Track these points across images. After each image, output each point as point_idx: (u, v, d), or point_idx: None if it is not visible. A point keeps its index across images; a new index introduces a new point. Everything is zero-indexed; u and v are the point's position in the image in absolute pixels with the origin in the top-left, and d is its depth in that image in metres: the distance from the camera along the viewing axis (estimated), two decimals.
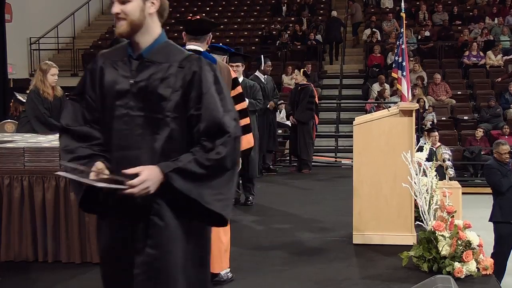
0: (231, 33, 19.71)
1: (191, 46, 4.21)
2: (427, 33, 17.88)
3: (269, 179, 9.42)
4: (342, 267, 4.94)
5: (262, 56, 9.62)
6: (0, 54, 11.95)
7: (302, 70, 10.71)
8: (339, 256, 5.26)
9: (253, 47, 17.89)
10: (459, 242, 4.60)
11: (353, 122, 5.67)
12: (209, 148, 2.31)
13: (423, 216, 4.89)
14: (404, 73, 7.92)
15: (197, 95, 2.35)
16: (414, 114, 5.44)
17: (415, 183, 4.95)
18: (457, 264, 4.54)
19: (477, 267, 4.57)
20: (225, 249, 4.20)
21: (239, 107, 4.21)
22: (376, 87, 15.19)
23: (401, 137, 5.34)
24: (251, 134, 4.30)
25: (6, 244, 4.80)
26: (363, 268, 4.89)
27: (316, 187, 8.90)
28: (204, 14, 18.57)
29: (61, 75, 7.38)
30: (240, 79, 6.86)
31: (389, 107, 6.26)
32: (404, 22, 8.53)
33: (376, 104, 13.96)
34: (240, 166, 4.35)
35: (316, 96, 10.52)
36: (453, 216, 4.73)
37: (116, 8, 2.35)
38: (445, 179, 7.12)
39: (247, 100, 5.79)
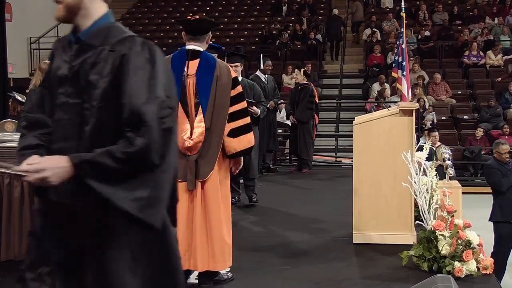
0: (231, 33, 19.71)
1: (191, 46, 4.21)
2: (427, 33, 17.87)
3: (269, 179, 9.43)
4: (342, 267, 4.94)
5: (261, 55, 9.62)
6: (0, 53, 11.93)
7: (302, 69, 10.71)
8: (339, 255, 5.26)
9: (253, 47, 17.89)
10: (459, 242, 4.60)
11: (353, 121, 5.67)
12: (129, 140, 2.06)
13: (423, 215, 4.89)
14: (404, 73, 7.93)
15: (124, 81, 2.13)
16: (414, 114, 5.44)
17: (415, 182, 4.95)
18: (457, 264, 4.54)
19: (477, 267, 4.57)
20: (229, 248, 4.22)
21: (239, 106, 4.21)
22: (376, 86, 15.19)
23: (401, 137, 5.34)
24: (251, 133, 4.30)
25: (6, 244, 4.80)
26: (363, 267, 4.89)
27: (316, 187, 8.90)
28: (204, 14, 18.56)
29: None
30: (239, 79, 6.83)
31: (389, 106, 6.25)
32: (404, 22, 8.54)
33: (376, 104, 13.96)
34: (242, 165, 4.39)
35: (316, 96, 10.52)
36: (453, 216, 4.73)
37: None
38: (445, 178, 7.12)
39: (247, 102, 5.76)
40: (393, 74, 9.01)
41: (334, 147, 13.97)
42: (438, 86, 15.61)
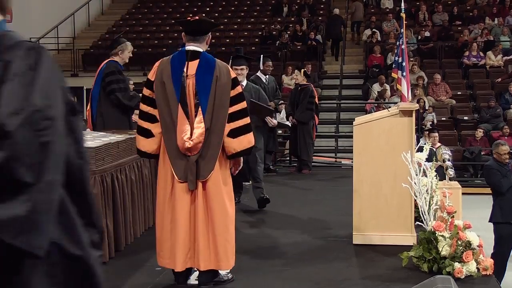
0: (231, 33, 19.72)
1: (191, 46, 4.21)
2: (427, 34, 17.89)
3: (269, 180, 9.41)
4: (342, 267, 4.93)
5: (261, 56, 9.61)
6: None
7: (302, 70, 10.70)
8: (339, 256, 5.26)
9: (253, 47, 17.90)
10: (459, 243, 4.59)
11: (353, 122, 5.67)
12: None
13: (423, 216, 4.89)
14: (404, 74, 7.93)
15: (2, 89, 1.83)
16: (414, 115, 5.44)
17: (415, 183, 4.95)
18: (457, 265, 4.54)
19: (477, 268, 4.57)
20: (232, 248, 4.24)
21: (238, 107, 4.21)
22: (376, 87, 15.20)
23: (401, 138, 5.34)
24: (251, 133, 4.30)
25: None
26: (363, 268, 4.89)
27: (316, 187, 8.90)
28: (204, 14, 18.57)
29: None
30: (244, 83, 6.74)
31: (389, 107, 6.26)
32: (404, 22, 8.55)
33: (376, 105, 13.97)
34: (241, 165, 4.39)
35: (316, 96, 10.51)
36: (453, 217, 4.72)
37: None
38: (445, 179, 7.12)
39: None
40: (393, 74, 9.02)
41: (334, 147, 13.98)
42: (438, 87, 15.62)
